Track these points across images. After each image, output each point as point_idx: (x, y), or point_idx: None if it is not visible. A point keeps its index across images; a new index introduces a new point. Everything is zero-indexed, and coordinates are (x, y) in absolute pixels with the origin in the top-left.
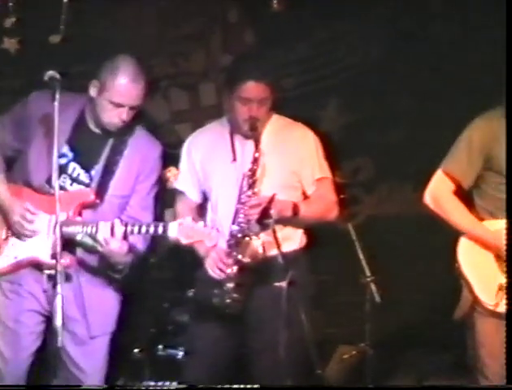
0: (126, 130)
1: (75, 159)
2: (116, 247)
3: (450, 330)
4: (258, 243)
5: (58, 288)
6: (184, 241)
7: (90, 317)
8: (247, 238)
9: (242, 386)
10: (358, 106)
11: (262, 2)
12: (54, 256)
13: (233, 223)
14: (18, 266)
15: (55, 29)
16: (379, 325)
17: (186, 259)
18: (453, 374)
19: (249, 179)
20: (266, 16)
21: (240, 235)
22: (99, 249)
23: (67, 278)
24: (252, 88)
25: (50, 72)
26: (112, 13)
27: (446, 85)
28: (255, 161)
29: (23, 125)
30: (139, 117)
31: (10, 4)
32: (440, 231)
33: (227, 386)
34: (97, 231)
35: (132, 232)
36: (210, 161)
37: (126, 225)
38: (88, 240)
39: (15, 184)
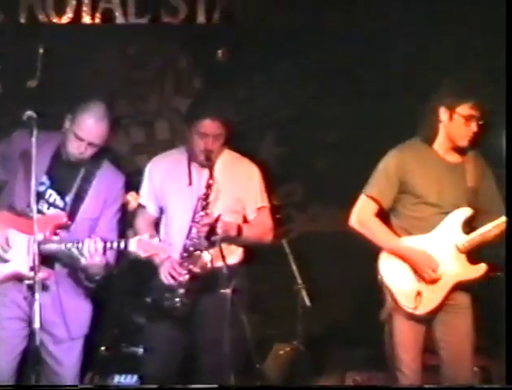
0: (94, 163)
1: (51, 187)
2: (98, 260)
3: (370, 329)
4: (208, 257)
5: (36, 295)
6: (142, 254)
7: (69, 321)
8: (198, 252)
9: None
10: (291, 139)
11: (208, 53)
12: (32, 269)
13: (187, 238)
14: (2, 281)
15: (32, 75)
16: (309, 325)
17: (143, 271)
18: (372, 368)
19: (203, 202)
20: (212, 64)
21: (192, 248)
22: (83, 261)
23: (46, 288)
24: (208, 125)
25: (28, 112)
26: (82, 61)
27: (365, 122)
28: (209, 187)
29: (8, 159)
30: (105, 153)
31: None
32: (361, 245)
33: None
34: (83, 246)
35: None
36: (168, 182)
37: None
38: (75, 252)
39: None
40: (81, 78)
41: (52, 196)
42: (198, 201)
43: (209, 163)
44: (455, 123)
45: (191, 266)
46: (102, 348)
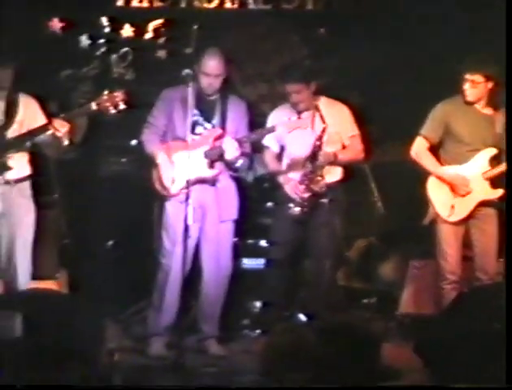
0: (223, 93)
1: (201, 116)
2: (238, 153)
3: (424, 228)
4: (322, 178)
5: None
6: (288, 130)
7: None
8: (314, 175)
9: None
10: (370, 93)
11: (313, 31)
12: (211, 167)
13: (305, 166)
14: (188, 185)
15: (188, 45)
16: (382, 226)
17: (266, 185)
18: (427, 257)
19: (318, 141)
20: (316, 39)
21: (309, 173)
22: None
23: (215, 182)
24: (292, 87)
25: (186, 70)
26: (224, 35)
27: (426, 80)
28: (323, 131)
29: (166, 109)
30: (229, 86)
31: (162, 29)
32: (416, 171)
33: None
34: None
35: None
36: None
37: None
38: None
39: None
40: (223, 47)
41: (203, 122)
42: (316, 140)
43: (298, 108)
44: (466, 87)
45: (312, 186)
46: (234, 239)
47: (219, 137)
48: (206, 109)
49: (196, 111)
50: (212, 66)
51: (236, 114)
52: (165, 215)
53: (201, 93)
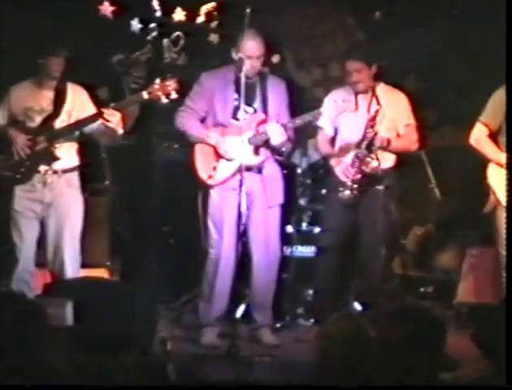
0: (263, 77)
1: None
2: (283, 138)
3: (483, 217)
4: (375, 162)
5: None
6: (334, 113)
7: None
8: (369, 158)
9: None
10: (427, 77)
11: (369, 14)
12: (257, 153)
13: (358, 148)
14: (236, 172)
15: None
16: (439, 212)
17: (320, 171)
18: (480, 242)
19: (371, 122)
20: (371, 22)
21: (361, 155)
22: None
23: (261, 169)
24: (352, 65)
25: (239, 54)
26: (275, 18)
27: (484, 65)
28: (377, 111)
29: (206, 94)
30: (268, 66)
31: (214, 13)
32: (474, 157)
33: None
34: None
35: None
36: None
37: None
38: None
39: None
40: (274, 31)
41: (245, 106)
42: (369, 122)
43: (357, 88)
44: None
45: (363, 167)
46: (289, 226)
47: (263, 122)
48: (246, 92)
49: (236, 95)
50: (252, 47)
51: (276, 95)
52: (210, 203)
53: (238, 77)
